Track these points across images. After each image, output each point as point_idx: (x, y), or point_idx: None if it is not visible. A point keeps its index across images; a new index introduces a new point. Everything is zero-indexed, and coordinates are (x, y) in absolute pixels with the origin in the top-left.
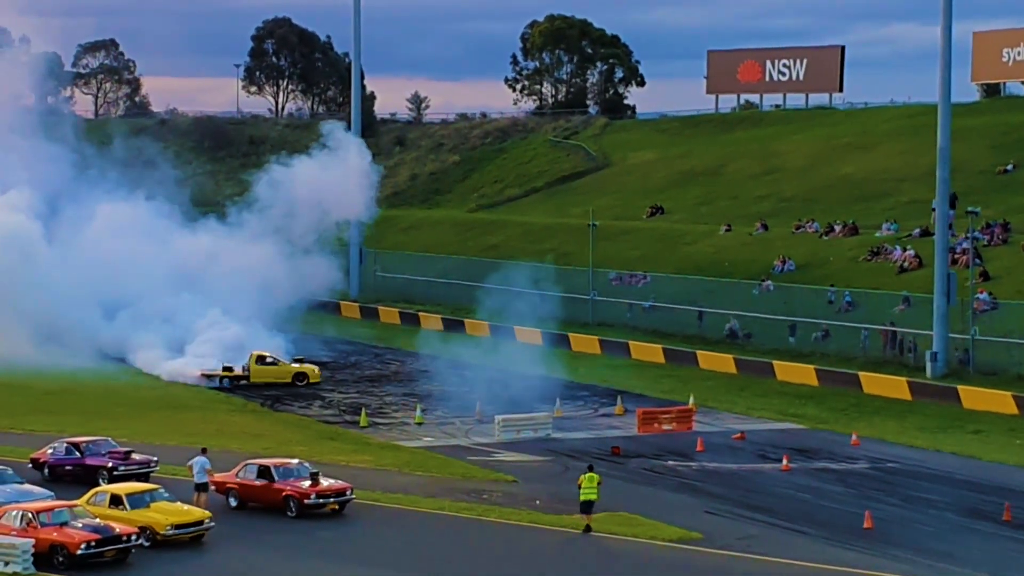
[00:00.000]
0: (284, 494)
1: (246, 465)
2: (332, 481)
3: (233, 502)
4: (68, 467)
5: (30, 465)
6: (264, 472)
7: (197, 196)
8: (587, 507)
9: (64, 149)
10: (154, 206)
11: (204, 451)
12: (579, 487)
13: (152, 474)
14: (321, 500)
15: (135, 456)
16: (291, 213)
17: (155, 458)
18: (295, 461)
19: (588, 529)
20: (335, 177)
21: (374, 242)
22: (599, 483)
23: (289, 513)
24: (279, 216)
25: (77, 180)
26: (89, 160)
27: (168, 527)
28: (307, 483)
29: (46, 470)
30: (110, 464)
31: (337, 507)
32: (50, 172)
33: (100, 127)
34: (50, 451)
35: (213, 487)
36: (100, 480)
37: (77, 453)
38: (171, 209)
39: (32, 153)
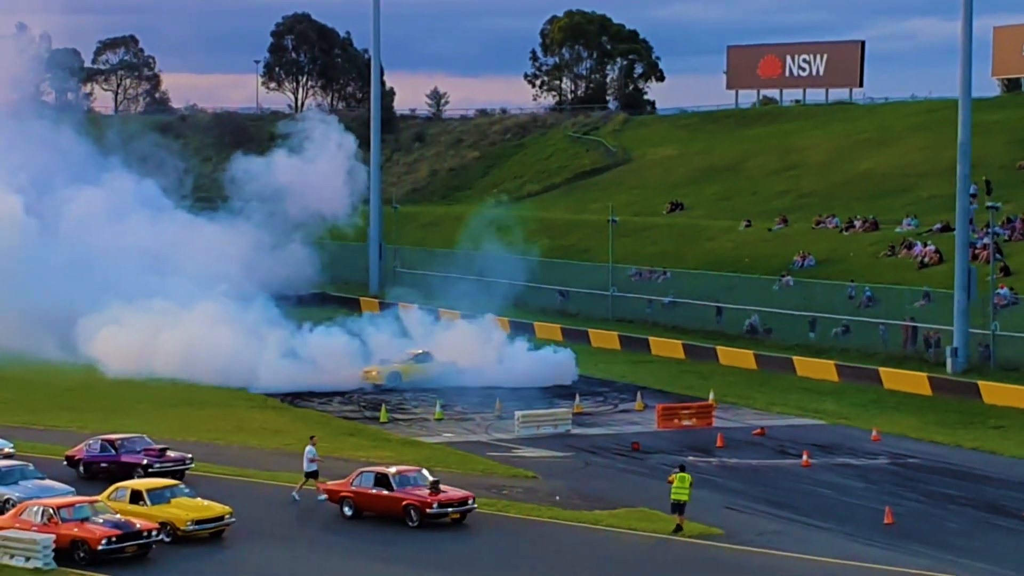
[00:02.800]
0: (405, 503)
1: (361, 473)
2: (452, 489)
3: (348, 511)
4: (103, 464)
5: (65, 462)
6: (382, 480)
7: (210, 189)
8: (678, 508)
9: (67, 139)
10: (140, 195)
11: (312, 439)
12: (669, 484)
13: (187, 471)
14: (444, 509)
15: (170, 453)
16: (268, 204)
17: (190, 455)
18: (414, 468)
19: (679, 529)
20: (315, 169)
21: (394, 238)
22: (691, 484)
23: (410, 523)
24: (255, 207)
25: (72, 169)
26: (91, 151)
27: (189, 523)
28: (427, 491)
29: (81, 467)
30: (145, 461)
31: (458, 516)
32: (48, 161)
33: (119, 123)
34: (85, 448)
35: (325, 496)
36: (135, 477)
37: (112, 450)
38: (159, 199)
39: (32, 141)
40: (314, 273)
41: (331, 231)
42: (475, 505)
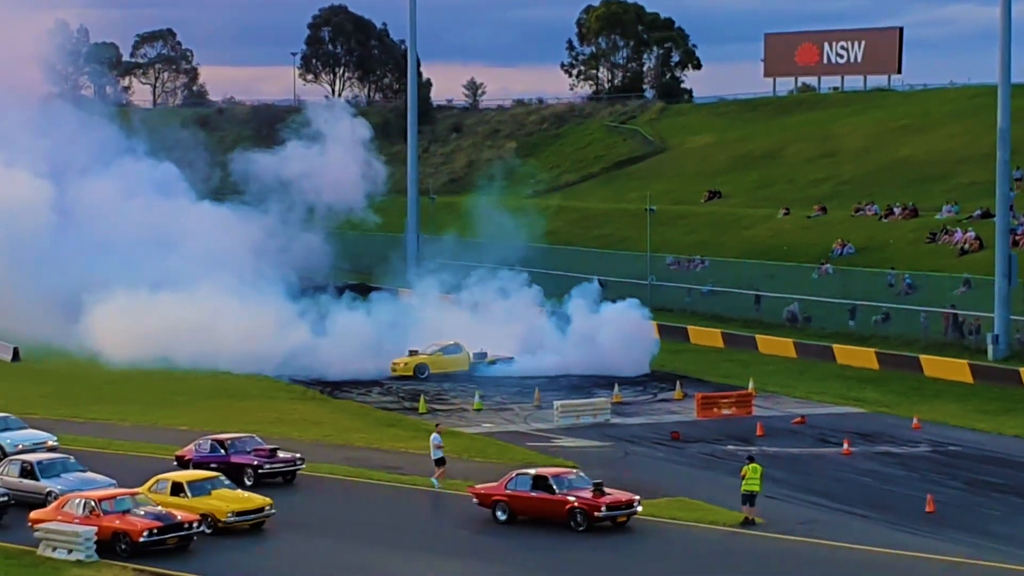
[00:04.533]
0: (570, 506)
1: (517, 475)
2: (615, 491)
3: (502, 515)
4: (213, 465)
5: (175, 463)
6: (540, 483)
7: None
8: (750, 499)
9: (87, 125)
10: (157, 180)
11: (438, 426)
12: (742, 478)
13: (299, 472)
14: (612, 512)
15: (281, 454)
16: (282, 196)
17: (300, 456)
18: (572, 471)
19: (750, 522)
20: (322, 159)
21: (432, 228)
22: (761, 474)
23: (577, 527)
24: (271, 198)
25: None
26: (112, 136)
27: (229, 514)
28: (590, 493)
29: (191, 467)
30: (256, 462)
31: (625, 519)
32: (68, 147)
33: (158, 116)
34: (194, 448)
35: (476, 500)
36: (246, 479)
37: (222, 451)
38: (175, 184)
39: (56, 127)
40: (329, 263)
41: (347, 221)
42: (640, 507)
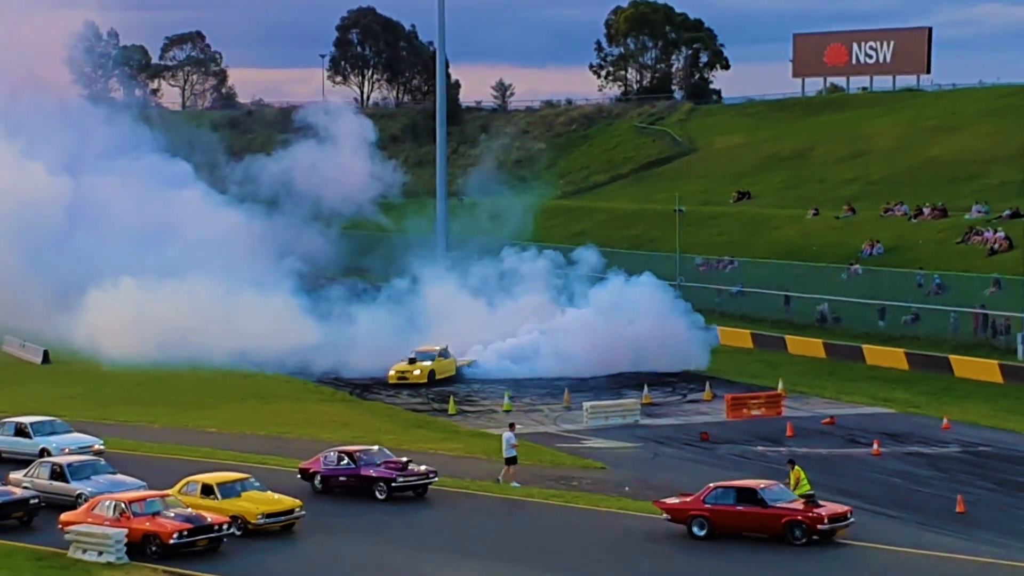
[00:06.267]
0: (786, 520)
1: (715, 489)
2: (827, 503)
3: (700, 531)
4: (342, 478)
5: (299, 475)
6: (748, 496)
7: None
8: (811, 499)
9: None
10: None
11: (512, 426)
12: (796, 485)
13: (430, 486)
14: (832, 525)
15: (413, 467)
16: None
17: (433, 469)
18: (773, 482)
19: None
20: (326, 160)
21: (461, 229)
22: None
23: (795, 541)
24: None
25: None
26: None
27: (259, 516)
28: (800, 504)
29: (318, 481)
30: (390, 475)
31: (843, 531)
32: (83, 142)
33: (183, 118)
34: (321, 460)
35: (667, 516)
36: (378, 493)
37: (351, 463)
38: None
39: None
40: (342, 263)
41: (353, 222)
42: (853, 519)
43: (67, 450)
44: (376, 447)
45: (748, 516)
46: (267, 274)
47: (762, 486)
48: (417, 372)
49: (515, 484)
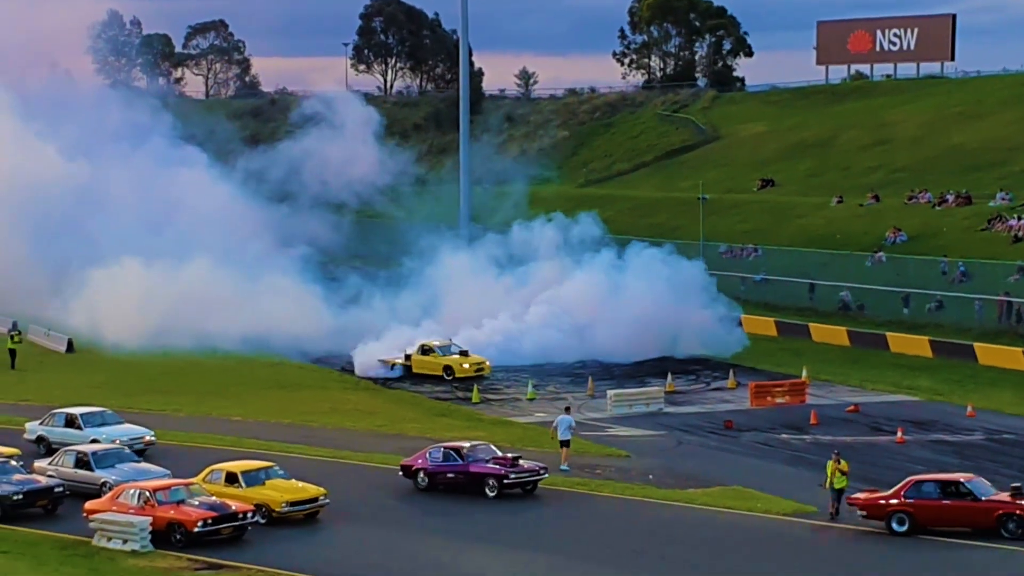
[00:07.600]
0: (1000, 513)
1: (919, 483)
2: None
3: (900, 527)
4: (450, 475)
5: (400, 473)
6: (953, 489)
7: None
8: (839, 495)
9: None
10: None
11: (568, 410)
12: (834, 477)
13: (540, 483)
14: None
15: (523, 463)
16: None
17: (543, 465)
18: (972, 475)
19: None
20: (327, 149)
21: (486, 218)
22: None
23: (1007, 535)
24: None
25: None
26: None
27: (283, 504)
28: (1007, 496)
29: (422, 477)
30: (501, 471)
31: None
32: (104, 129)
33: (204, 107)
34: (426, 456)
35: (862, 512)
36: (488, 491)
37: (458, 459)
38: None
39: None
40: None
41: (365, 208)
42: None
43: (118, 441)
44: (481, 443)
45: (956, 510)
46: (273, 259)
47: (967, 479)
48: (466, 365)
49: (564, 467)
